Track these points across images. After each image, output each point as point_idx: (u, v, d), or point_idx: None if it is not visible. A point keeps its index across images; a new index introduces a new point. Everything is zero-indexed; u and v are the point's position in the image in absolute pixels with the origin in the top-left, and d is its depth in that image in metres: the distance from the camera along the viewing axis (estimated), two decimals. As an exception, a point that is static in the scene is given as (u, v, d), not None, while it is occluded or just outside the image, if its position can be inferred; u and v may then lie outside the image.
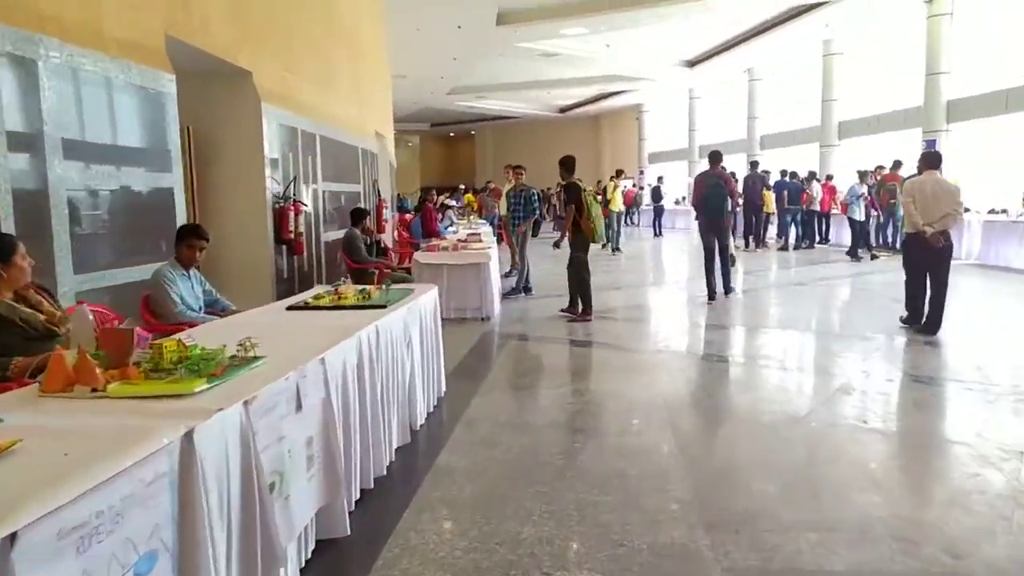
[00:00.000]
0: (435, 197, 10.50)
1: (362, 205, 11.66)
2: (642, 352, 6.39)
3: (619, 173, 17.85)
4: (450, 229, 12.58)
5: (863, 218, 13.37)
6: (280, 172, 7.70)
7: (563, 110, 34.04)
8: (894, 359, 6.11)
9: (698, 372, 5.72)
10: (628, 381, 5.25)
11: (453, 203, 17.16)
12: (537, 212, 9.36)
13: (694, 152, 27.83)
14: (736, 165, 23.00)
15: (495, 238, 14.85)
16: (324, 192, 9.21)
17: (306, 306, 3.91)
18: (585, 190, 8.01)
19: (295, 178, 7.84)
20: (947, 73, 15.65)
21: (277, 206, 7.55)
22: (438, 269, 7.64)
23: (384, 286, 4.39)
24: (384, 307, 3.85)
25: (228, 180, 7.23)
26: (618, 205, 16.23)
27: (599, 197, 15.36)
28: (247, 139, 7.17)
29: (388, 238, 13.14)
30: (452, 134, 42.26)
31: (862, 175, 13.72)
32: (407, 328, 3.95)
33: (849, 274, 11.70)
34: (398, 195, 31.21)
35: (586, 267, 7.73)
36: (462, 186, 25.09)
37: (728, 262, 9.24)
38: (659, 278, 12.08)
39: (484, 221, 15.95)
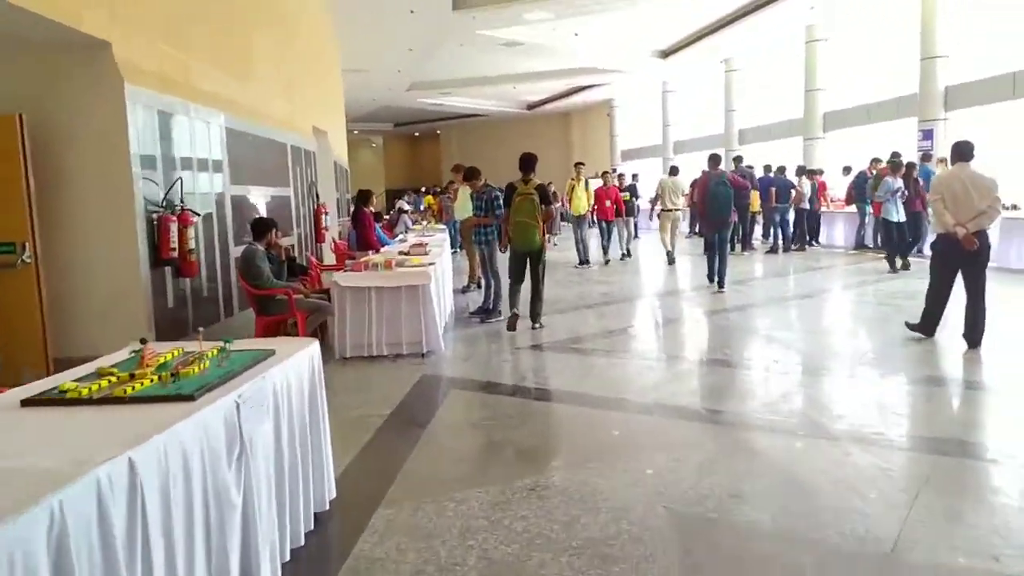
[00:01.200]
0: (373, 199, 8.77)
1: (300, 210, 10.07)
2: (627, 409, 4.79)
3: (579, 166, 14.15)
4: (397, 238, 10.91)
5: (902, 218, 10.95)
6: (160, 173, 6.02)
7: (531, 106, 32.50)
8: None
9: (712, 451, 3.93)
10: (609, 467, 3.66)
11: (407, 206, 15.46)
12: (500, 215, 7.75)
13: (668, 148, 26.42)
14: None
15: (453, 248, 13.35)
16: (232, 197, 7.52)
17: (53, 400, 2.26)
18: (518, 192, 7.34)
19: (179, 180, 6.16)
20: (944, 57, 14.34)
21: (155, 216, 5.87)
22: (362, 293, 6.01)
23: (220, 349, 2.75)
24: (191, 398, 2.23)
25: (81, 184, 5.54)
26: (582, 207, 13.36)
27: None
28: (104, 131, 5.48)
29: (328, 250, 11.48)
30: (417, 134, 40.64)
31: (895, 167, 11.33)
32: (239, 432, 2.32)
33: (875, 281, 10.26)
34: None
35: (515, 269, 7.43)
36: (423, 188, 23.36)
37: (726, 255, 9.72)
38: (637, 292, 10.53)
39: (444, 226, 14.33)
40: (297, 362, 2.91)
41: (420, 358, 6.10)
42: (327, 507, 3.12)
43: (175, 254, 5.96)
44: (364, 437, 4.18)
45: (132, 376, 2.46)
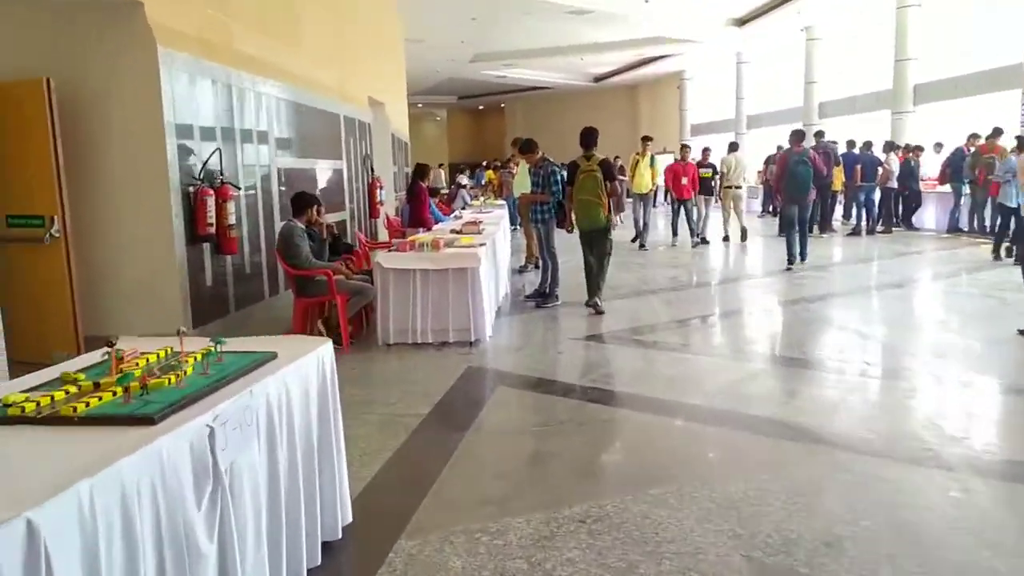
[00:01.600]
0: (431, 174, 8.29)
1: (353, 184, 9.69)
2: (696, 418, 4.20)
3: (646, 140, 12.51)
4: (452, 215, 10.45)
5: (1018, 203, 9.30)
6: (198, 143, 5.67)
7: (598, 79, 31.48)
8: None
9: (799, 480, 3.26)
10: (674, 495, 3.10)
11: (466, 181, 14.97)
12: (560, 194, 7.22)
13: (741, 123, 25.16)
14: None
15: (513, 225, 12.80)
16: (281, 170, 7.16)
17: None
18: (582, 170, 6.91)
19: (217, 150, 5.79)
20: (1058, 21, 12.94)
21: (192, 190, 5.53)
22: (406, 276, 5.55)
23: (207, 352, 2.28)
24: (150, 421, 1.78)
25: (112, 154, 5.22)
26: (645, 185, 12.07)
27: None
28: (137, 97, 5.13)
29: (382, 226, 11.11)
30: (481, 107, 40.08)
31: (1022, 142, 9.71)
32: (212, 463, 1.86)
33: (974, 270, 9.30)
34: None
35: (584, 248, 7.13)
36: (484, 162, 22.84)
37: (807, 234, 9.75)
38: (707, 276, 9.81)
39: (503, 202, 13.78)
40: (302, 367, 2.44)
41: (468, 347, 5.62)
42: (339, 535, 2.66)
43: (212, 230, 5.60)
44: (396, 441, 3.73)
45: (96, 386, 2.03)
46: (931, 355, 5.43)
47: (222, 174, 5.83)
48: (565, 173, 7.20)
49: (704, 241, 12.48)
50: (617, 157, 14.44)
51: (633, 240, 12.23)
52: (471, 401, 4.59)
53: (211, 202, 5.57)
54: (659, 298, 7.88)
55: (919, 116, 17.32)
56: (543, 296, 7.35)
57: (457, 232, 7.34)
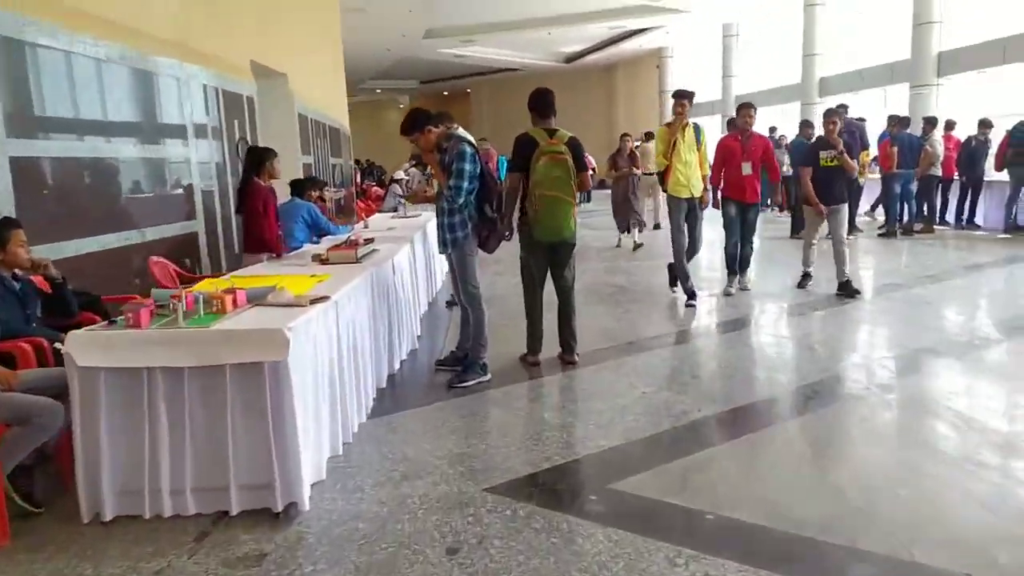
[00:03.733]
0: (275, 163, 5.06)
1: (216, 180, 6.51)
2: None
3: (683, 100, 6.31)
4: (359, 224, 7.49)
5: None
6: None
7: (570, 59, 28.56)
8: None
9: None
10: None
11: (403, 175, 11.97)
12: (472, 192, 4.33)
13: (728, 104, 22.33)
14: (786, 118, 17.79)
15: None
16: (12, 159, 4.17)
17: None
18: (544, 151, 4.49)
19: None
20: None
21: None
22: (135, 381, 2.63)
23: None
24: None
25: None
26: (690, 180, 6.29)
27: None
28: None
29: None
30: (446, 92, 37.02)
31: None
32: None
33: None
34: (364, 163, 26.11)
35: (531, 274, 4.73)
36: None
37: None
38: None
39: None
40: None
41: (268, 525, 2.72)
42: None
43: None
44: None
45: None
46: None
47: None
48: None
49: (804, 280, 6.96)
50: (626, 135, 11.22)
51: (673, 285, 6.84)
52: None
53: None
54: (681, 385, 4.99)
55: (945, 90, 14.67)
56: (463, 366, 4.45)
57: (322, 259, 4.42)
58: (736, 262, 6.72)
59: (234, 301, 3.03)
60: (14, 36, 4.20)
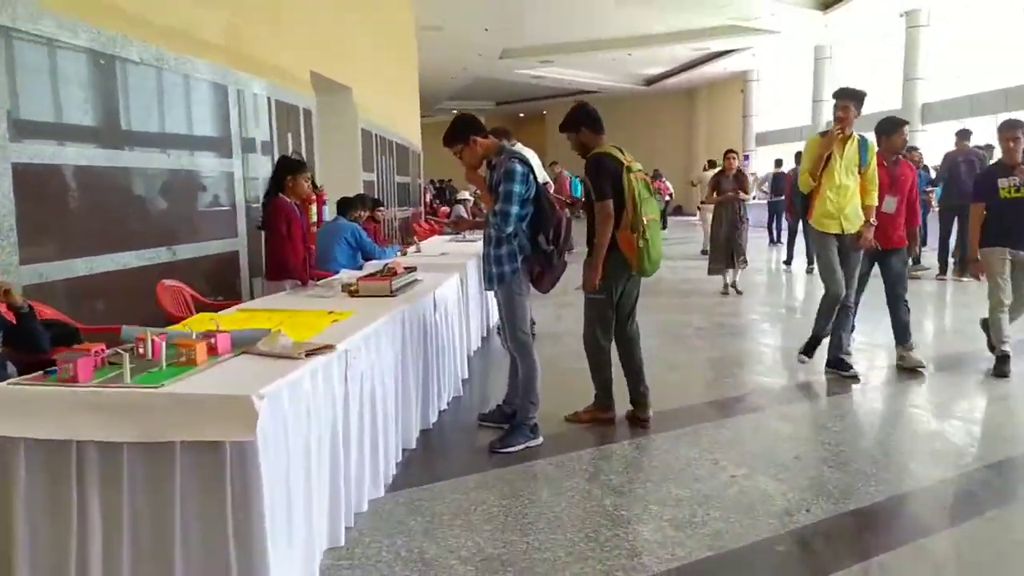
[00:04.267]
0: (305, 177, 4.44)
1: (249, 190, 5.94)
2: None
3: (849, 100, 4.72)
4: (396, 248, 6.86)
5: None
6: None
7: (650, 81, 27.70)
8: None
9: None
10: None
11: (469, 196, 11.39)
12: (527, 217, 3.59)
13: (817, 130, 20.99)
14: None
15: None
16: (19, 167, 3.70)
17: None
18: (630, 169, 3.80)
19: None
20: None
21: None
22: (62, 455, 1.99)
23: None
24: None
25: None
26: (848, 214, 4.79)
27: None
28: None
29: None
30: (521, 115, 36.70)
31: None
32: None
33: None
34: (433, 182, 25.73)
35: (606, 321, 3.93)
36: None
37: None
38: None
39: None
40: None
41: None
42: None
43: None
44: None
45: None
46: None
47: None
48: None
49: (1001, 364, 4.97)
50: (731, 151, 9.49)
51: (807, 352, 5.16)
52: None
53: None
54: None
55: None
56: (508, 423, 3.70)
57: (351, 289, 3.77)
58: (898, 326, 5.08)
59: (212, 348, 2.38)
60: (52, 37, 3.73)
